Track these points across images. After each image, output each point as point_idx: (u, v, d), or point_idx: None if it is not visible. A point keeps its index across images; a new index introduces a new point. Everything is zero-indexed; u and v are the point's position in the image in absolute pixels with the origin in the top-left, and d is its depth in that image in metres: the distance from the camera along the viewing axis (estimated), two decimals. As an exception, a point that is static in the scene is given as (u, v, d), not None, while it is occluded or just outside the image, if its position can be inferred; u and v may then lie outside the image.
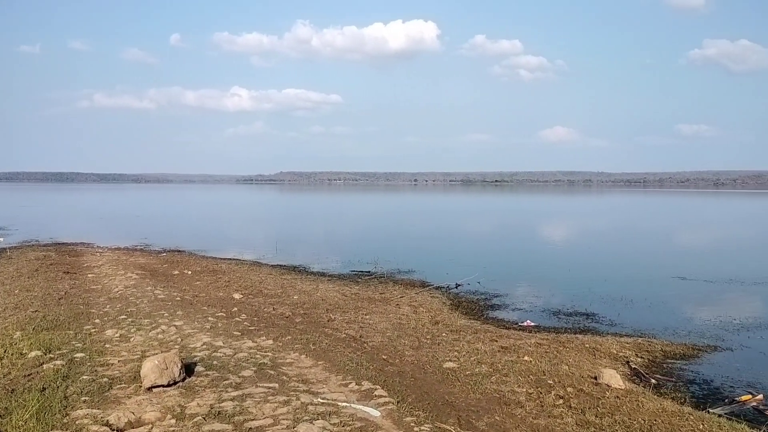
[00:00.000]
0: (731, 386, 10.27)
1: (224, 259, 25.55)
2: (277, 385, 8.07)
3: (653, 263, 26.78)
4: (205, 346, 9.79)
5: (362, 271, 22.70)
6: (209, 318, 12.18)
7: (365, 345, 10.85)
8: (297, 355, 9.72)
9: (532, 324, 14.68)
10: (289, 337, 10.96)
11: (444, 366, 9.56)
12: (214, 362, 8.86)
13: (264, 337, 10.86)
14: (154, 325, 11.24)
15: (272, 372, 8.68)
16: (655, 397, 8.90)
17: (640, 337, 13.45)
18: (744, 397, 9.50)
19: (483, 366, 9.58)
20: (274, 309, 14.00)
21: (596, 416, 7.40)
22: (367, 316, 13.64)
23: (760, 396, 9.60)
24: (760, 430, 7.43)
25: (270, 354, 9.72)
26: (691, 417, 7.54)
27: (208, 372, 8.35)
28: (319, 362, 9.37)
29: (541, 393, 8.29)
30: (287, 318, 13.03)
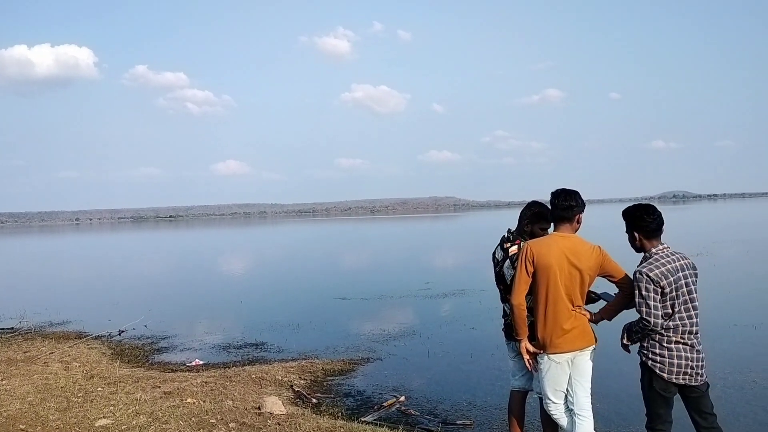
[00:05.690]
0: (380, 393, 11.43)
1: None
2: None
3: (318, 286, 28.60)
4: None
5: (2, 329, 19.41)
6: None
7: (-3, 417, 9.19)
8: None
9: (201, 362, 14.32)
10: None
11: (96, 425, 8.65)
12: None
13: None
14: None
15: None
16: (314, 415, 9.39)
17: (305, 359, 14.15)
18: (389, 402, 10.65)
19: (141, 417, 8.93)
20: None
21: (256, 447, 7.46)
22: (4, 381, 11.64)
23: (403, 398, 10.88)
24: (398, 429, 8.36)
25: None
26: (343, 429, 8.12)
27: None
28: (-73, 450, 7.63)
29: (202, 434, 8.04)
30: None
